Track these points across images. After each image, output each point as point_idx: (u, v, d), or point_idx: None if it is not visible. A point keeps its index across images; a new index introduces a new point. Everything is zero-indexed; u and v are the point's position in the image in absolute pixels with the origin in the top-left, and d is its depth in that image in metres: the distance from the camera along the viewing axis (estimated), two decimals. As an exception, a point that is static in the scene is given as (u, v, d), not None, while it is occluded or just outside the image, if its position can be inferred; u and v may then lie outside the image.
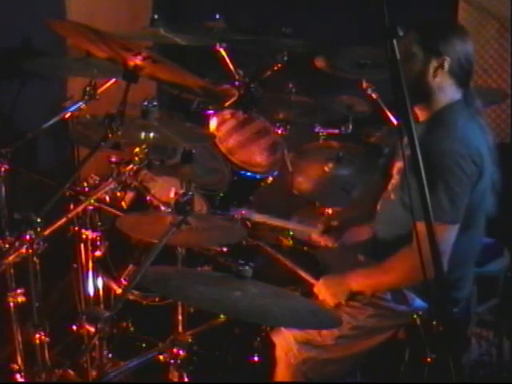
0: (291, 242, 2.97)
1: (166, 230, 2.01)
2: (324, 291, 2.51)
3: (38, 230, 2.05)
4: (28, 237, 2.05)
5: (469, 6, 3.96)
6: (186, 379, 2.37)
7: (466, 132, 2.34)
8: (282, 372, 2.52)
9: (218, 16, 3.54)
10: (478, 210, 2.41)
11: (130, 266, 2.78)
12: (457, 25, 2.46)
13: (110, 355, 2.67)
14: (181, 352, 2.34)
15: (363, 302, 2.49)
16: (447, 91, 2.38)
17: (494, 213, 2.47)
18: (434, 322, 1.85)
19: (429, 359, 2.43)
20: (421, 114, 2.43)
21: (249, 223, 2.89)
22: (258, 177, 3.23)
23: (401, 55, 1.48)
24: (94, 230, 2.67)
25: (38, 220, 2.04)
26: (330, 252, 2.88)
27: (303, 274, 2.64)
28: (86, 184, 2.67)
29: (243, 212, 2.87)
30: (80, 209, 2.52)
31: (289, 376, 2.51)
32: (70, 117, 2.90)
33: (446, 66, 2.34)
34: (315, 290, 2.54)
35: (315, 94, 3.55)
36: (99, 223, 2.69)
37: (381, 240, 2.59)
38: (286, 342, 2.49)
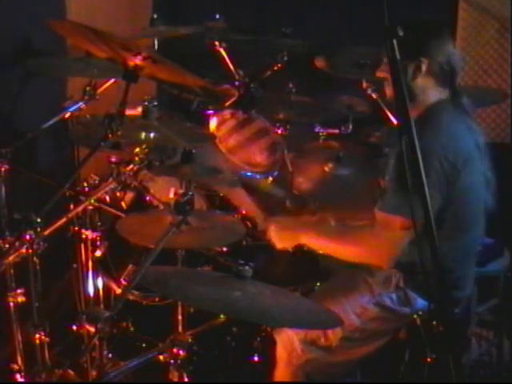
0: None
1: (165, 230, 2.01)
2: (273, 234, 2.58)
3: (38, 230, 2.05)
4: (28, 237, 2.05)
5: (469, 6, 3.96)
6: (186, 379, 2.37)
7: (448, 131, 2.34)
8: (281, 371, 2.52)
9: (217, 16, 3.54)
10: (471, 209, 2.42)
11: (130, 266, 2.78)
12: (437, 26, 2.46)
13: (110, 355, 2.67)
14: (181, 352, 2.34)
15: (370, 302, 2.50)
16: (431, 91, 2.40)
17: (492, 209, 2.47)
18: (434, 322, 1.86)
19: (429, 359, 2.43)
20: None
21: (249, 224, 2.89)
22: (258, 177, 3.23)
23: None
24: (93, 230, 2.67)
25: (38, 220, 2.03)
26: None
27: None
28: (85, 184, 2.67)
29: None
30: (80, 209, 2.52)
31: (289, 376, 2.51)
32: (69, 117, 2.90)
33: (424, 67, 2.35)
34: (268, 230, 2.60)
35: (315, 94, 3.54)
36: (99, 223, 2.69)
37: None
38: (289, 341, 2.48)
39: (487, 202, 2.46)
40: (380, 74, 2.50)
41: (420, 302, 2.46)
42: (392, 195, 2.31)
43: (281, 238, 2.58)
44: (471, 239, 2.48)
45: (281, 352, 2.51)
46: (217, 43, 3.42)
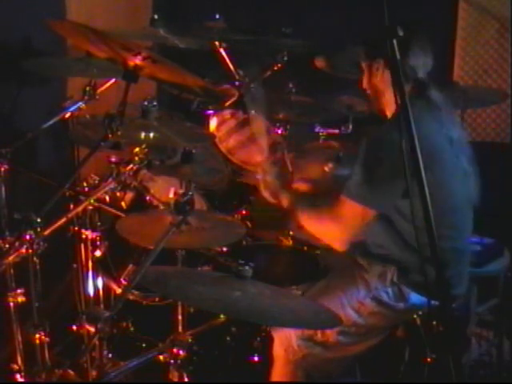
0: (291, 242, 2.97)
1: (165, 230, 2.01)
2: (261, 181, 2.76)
3: (38, 230, 2.05)
4: (28, 237, 2.04)
5: (469, 6, 3.97)
6: (186, 379, 2.37)
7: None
8: (279, 368, 2.53)
9: (217, 16, 3.54)
10: (449, 206, 2.42)
11: (130, 266, 2.78)
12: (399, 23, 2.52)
13: (110, 355, 2.67)
14: (181, 352, 2.34)
15: (367, 297, 2.51)
16: (389, 90, 2.43)
17: (478, 204, 2.50)
18: (434, 322, 1.86)
19: (429, 359, 2.44)
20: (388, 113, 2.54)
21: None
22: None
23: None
24: (93, 230, 2.67)
25: (38, 220, 2.03)
26: (331, 252, 2.88)
27: None
28: (85, 184, 2.66)
29: None
30: (80, 209, 2.51)
31: (287, 373, 2.51)
32: (69, 117, 2.90)
33: (381, 68, 2.44)
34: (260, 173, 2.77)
35: (315, 94, 3.55)
36: (99, 223, 2.69)
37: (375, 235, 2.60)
38: (285, 337, 2.49)
39: (470, 196, 2.46)
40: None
41: (414, 297, 2.47)
42: (361, 185, 2.38)
43: (265, 188, 2.74)
44: (458, 236, 2.48)
45: (278, 348, 2.52)
46: (217, 43, 3.42)
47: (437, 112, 2.45)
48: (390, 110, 2.50)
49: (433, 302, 1.65)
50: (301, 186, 3.07)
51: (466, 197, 2.49)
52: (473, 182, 2.48)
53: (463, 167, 2.45)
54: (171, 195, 2.69)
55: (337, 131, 3.50)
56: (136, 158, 2.50)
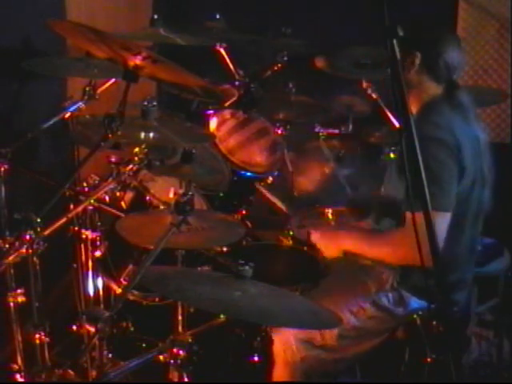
0: (291, 242, 2.97)
1: (165, 230, 2.01)
2: (319, 243, 2.61)
3: (38, 229, 2.05)
4: (28, 237, 2.04)
5: (469, 6, 3.97)
6: (186, 379, 2.37)
7: (450, 123, 2.36)
8: (279, 370, 2.53)
9: (218, 16, 3.54)
10: (468, 209, 2.41)
11: (130, 266, 2.78)
12: (432, 22, 2.51)
13: (110, 355, 2.67)
14: (181, 352, 2.34)
15: (367, 301, 2.50)
16: (424, 86, 2.43)
17: (490, 208, 2.47)
18: (434, 322, 1.86)
19: (429, 359, 2.43)
20: (412, 108, 2.47)
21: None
22: (258, 177, 3.23)
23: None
24: (93, 230, 2.67)
25: (38, 220, 2.03)
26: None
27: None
28: (85, 184, 2.66)
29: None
30: (80, 209, 2.52)
31: (286, 374, 2.51)
32: (69, 117, 2.89)
33: (417, 61, 2.39)
34: (312, 239, 2.63)
35: (315, 94, 3.55)
36: (99, 223, 2.69)
37: None
38: (285, 339, 2.50)
39: (484, 200, 2.45)
40: None
41: (414, 302, 2.47)
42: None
43: (326, 247, 2.60)
44: (466, 242, 2.47)
45: (277, 350, 2.52)
46: (217, 43, 3.42)
47: (465, 113, 2.44)
48: (415, 105, 2.46)
49: (433, 305, 1.65)
50: (301, 186, 3.07)
51: (480, 200, 2.47)
52: (488, 191, 2.46)
53: (482, 170, 2.44)
54: (171, 195, 2.69)
55: (337, 131, 3.51)
56: (136, 158, 2.50)
